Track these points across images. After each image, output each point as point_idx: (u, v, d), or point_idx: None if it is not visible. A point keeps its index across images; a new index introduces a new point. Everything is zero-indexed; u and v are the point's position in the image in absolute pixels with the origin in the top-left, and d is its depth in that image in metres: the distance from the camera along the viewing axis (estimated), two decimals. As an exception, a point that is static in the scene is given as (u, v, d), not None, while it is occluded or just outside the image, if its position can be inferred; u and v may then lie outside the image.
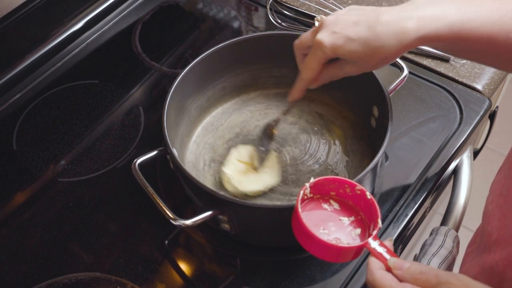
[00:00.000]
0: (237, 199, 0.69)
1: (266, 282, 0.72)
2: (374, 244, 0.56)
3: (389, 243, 0.56)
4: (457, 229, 0.79)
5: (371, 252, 0.56)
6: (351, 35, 0.60)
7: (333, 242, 0.57)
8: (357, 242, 0.59)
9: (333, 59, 0.65)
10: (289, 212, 0.66)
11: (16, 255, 0.76)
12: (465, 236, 0.83)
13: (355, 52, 0.61)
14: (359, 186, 0.61)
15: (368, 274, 0.54)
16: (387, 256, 0.54)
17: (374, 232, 0.57)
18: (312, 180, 0.61)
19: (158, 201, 0.67)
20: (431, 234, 0.77)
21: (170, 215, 0.66)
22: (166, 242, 0.77)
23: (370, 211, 0.60)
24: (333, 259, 0.59)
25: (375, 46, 0.60)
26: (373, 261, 0.54)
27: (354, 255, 0.58)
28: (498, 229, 0.59)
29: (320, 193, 0.63)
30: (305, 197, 0.62)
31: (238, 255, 0.75)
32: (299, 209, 0.58)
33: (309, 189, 0.61)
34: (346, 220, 0.61)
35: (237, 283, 0.73)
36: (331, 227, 0.60)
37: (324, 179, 0.62)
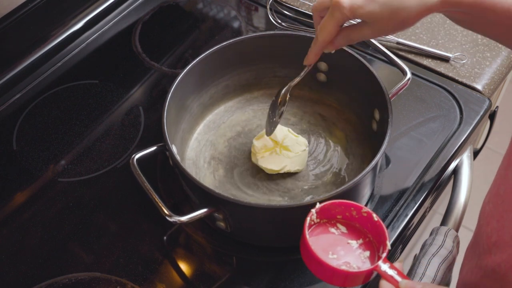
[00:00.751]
0: (232, 197, 0.68)
1: (266, 282, 0.72)
2: (384, 267, 0.56)
3: (399, 264, 0.56)
4: (457, 229, 0.79)
5: (382, 275, 0.55)
6: None
7: (343, 267, 0.57)
8: (367, 265, 0.58)
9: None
10: (283, 212, 0.66)
11: (16, 255, 0.76)
12: (465, 236, 0.83)
13: (374, 13, 0.59)
14: (365, 209, 0.60)
15: None
16: (398, 278, 0.54)
17: (384, 255, 0.57)
18: (318, 205, 0.60)
19: (154, 197, 0.67)
20: (431, 234, 0.77)
21: (166, 211, 0.66)
22: (165, 238, 0.77)
23: (377, 232, 0.60)
24: (344, 284, 0.59)
25: (396, 7, 0.58)
26: (384, 284, 0.54)
27: (364, 278, 0.58)
28: (497, 230, 0.59)
29: (327, 218, 0.62)
30: (312, 222, 0.61)
31: (238, 255, 0.75)
32: (307, 235, 0.58)
33: (315, 214, 0.61)
34: (354, 243, 0.61)
35: (237, 283, 0.73)
36: (340, 251, 0.60)
37: (330, 204, 0.61)
